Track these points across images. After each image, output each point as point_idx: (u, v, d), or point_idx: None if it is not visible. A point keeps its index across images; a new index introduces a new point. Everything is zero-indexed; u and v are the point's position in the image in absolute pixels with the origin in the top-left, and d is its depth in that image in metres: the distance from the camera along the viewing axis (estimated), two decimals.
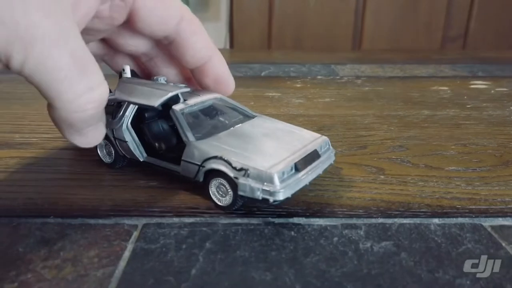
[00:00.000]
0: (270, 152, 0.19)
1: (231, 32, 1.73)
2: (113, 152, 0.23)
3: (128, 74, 0.23)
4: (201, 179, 0.20)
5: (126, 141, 0.22)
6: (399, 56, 0.62)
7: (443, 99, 0.39)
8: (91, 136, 0.18)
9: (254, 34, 1.65)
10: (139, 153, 0.22)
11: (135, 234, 0.18)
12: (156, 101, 0.20)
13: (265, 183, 0.18)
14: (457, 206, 0.20)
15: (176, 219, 0.19)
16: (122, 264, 0.16)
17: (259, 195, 0.18)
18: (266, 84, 0.45)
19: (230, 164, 0.18)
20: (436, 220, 0.19)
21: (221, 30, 2.23)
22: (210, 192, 0.20)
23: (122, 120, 0.22)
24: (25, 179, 0.23)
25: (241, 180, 0.18)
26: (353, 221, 0.19)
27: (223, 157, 0.19)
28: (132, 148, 0.22)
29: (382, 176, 0.23)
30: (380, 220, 0.19)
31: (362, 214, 0.20)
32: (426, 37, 1.57)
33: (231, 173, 0.18)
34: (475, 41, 1.57)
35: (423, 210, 0.20)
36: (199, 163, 0.20)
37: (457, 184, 0.23)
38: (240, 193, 0.18)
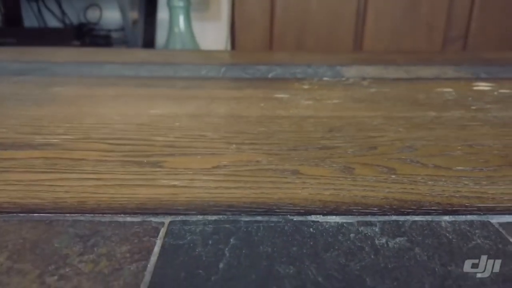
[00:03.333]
0: None
1: (232, 32, 1.74)
2: None
3: None
4: None
5: None
6: (403, 57, 0.63)
7: (448, 101, 0.40)
8: None
9: (256, 33, 1.66)
10: None
11: (163, 230, 0.19)
12: None
13: None
14: (466, 204, 0.21)
15: (200, 217, 0.20)
16: (153, 259, 0.17)
17: None
18: (274, 85, 0.46)
19: None
20: (446, 218, 0.20)
21: (222, 30, 2.24)
22: None
23: None
24: (52, 179, 0.24)
25: None
26: (368, 218, 0.20)
27: None
28: None
29: (393, 176, 0.24)
30: (394, 218, 0.20)
31: (376, 212, 0.21)
32: (427, 38, 1.58)
33: None
34: (475, 42, 1.58)
35: (434, 208, 0.21)
36: None
37: (465, 183, 0.24)
38: None
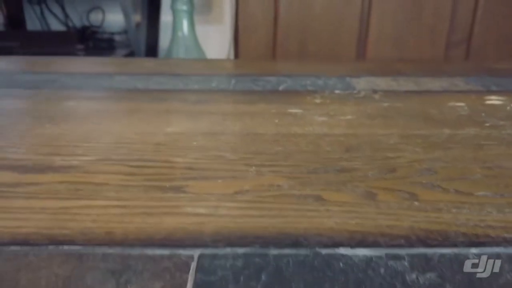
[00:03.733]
0: None
1: (236, 36, 1.74)
2: None
3: None
4: None
5: None
6: (410, 67, 0.63)
7: (461, 117, 0.40)
8: None
9: (259, 37, 1.66)
10: None
11: (193, 265, 0.19)
12: None
13: None
14: (492, 235, 0.22)
15: (228, 249, 0.20)
16: None
17: None
18: (286, 99, 0.46)
19: None
20: (473, 250, 0.20)
21: (225, 33, 2.25)
22: None
23: None
24: (78, 207, 0.24)
25: None
26: (396, 251, 0.20)
27: None
28: None
29: (416, 203, 0.25)
30: (422, 250, 0.20)
31: (403, 244, 0.21)
32: (430, 41, 1.58)
33: None
34: (478, 46, 1.59)
35: (460, 239, 0.21)
36: None
37: (488, 211, 0.24)
38: None
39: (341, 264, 0.19)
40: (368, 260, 0.20)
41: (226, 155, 0.31)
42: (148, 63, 0.68)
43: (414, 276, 0.19)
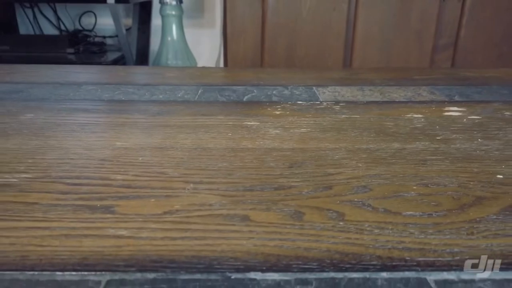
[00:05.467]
0: None
1: (225, 40, 1.74)
2: None
3: None
4: None
5: None
6: (382, 75, 0.63)
7: (415, 129, 0.40)
8: None
9: (248, 41, 1.66)
10: None
11: None
12: None
13: None
14: (406, 258, 0.22)
15: (139, 275, 0.20)
16: None
17: None
18: (246, 111, 0.46)
19: None
20: (384, 274, 0.20)
21: (216, 37, 2.24)
22: None
23: None
24: (2, 228, 0.24)
25: None
26: (305, 275, 0.20)
27: None
28: None
29: (341, 223, 0.25)
30: (332, 275, 0.20)
31: (315, 268, 0.21)
32: (417, 45, 1.58)
33: None
34: (465, 49, 1.59)
35: (373, 263, 0.21)
36: None
37: (410, 232, 0.24)
38: None
39: None
40: (276, 285, 0.20)
41: (168, 172, 0.31)
42: (121, 72, 0.68)
43: None
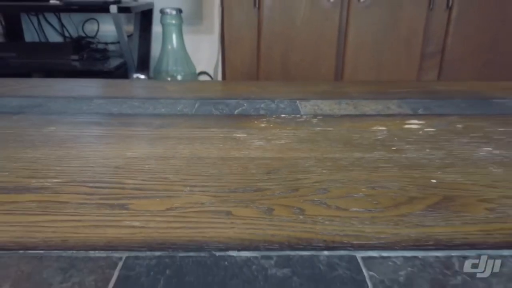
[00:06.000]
0: None
1: (222, 47, 1.82)
2: None
3: None
4: None
5: None
6: (360, 89, 0.71)
7: (376, 141, 0.48)
8: None
9: (244, 48, 1.74)
10: None
11: (120, 264, 0.27)
12: None
13: None
14: (344, 242, 0.29)
15: (148, 253, 0.28)
16: (110, 285, 0.25)
17: None
18: (236, 124, 0.53)
19: None
20: (325, 253, 0.28)
21: (215, 43, 2.32)
22: None
23: None
24: (44, 221, 0.32)
25: None
26: (269, 253, 0.28)
27: None
28: None
29: (301, 216, 0.32)
30: (287, 253, 0.28)
31: (276, 248, 0.29)
32: (405, 53, 1.66)
33: None
34: (452, 57, 1.67)
35: (319, 245, 0.29)
36: None
37: (352, 223, 0.32)
38: None
39: (226, 263, 0.27)
40: (247, 259, 0.27)
41: (170, 177, 0.39)
42: (127, 86, 0.76)
43: (274, 271, 0.26)
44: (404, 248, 0.29)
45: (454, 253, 0.28)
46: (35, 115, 0.56)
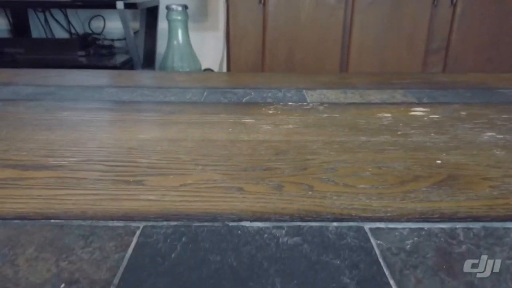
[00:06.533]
0: None
1: (228, 42, 1.83)
2: None
3: None
4: None
5: None
6: (365, 80, 0.72)
7: (382, 126, 0.49)
8: None
9: (250, 44, 1.76)
10: None
11: (138, 232, 0.28)
12: None
13: None
14: (352, 214, 0.30)
15: (165, 223, 0.29)
16: (130, 250, 0.26)
17: None
18: (245, 110, 0.55)
19: None
20: (335, 224, 0.29)
21: (220, 39, 2.34)
22: None
23: None
24: (63, 194, 0.33)
25: None
26: (280, 224, 0.29)
27: None
28: None
29: (310, 192, 0.34)
30: (298, 223, 0.29)
31: (287, 219, 0.30)
32: (409, 49, 1.67)
33: None
34: (456, 53, 1.67)
35: (328, 217, 0.30)
36: None
37: (359, 198, 0.33)
38: None
39: (239, 232, 0.28)
40: (259, 229, 0.29)
41: (182, 157, 0.40)
42: (136, 76, 0.78)
43: (285, 239, 0.28)
44: (410, 220, 0.30)
45: (458, 225, 0.29)
46: (49, 101, 0.58)
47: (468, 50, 1.64)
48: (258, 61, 1.72)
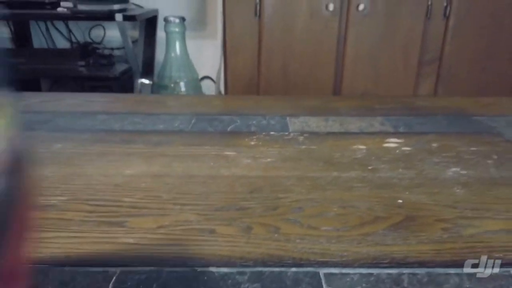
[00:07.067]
0: None
1: (224, 54, 1.86)
2: None
3: None
4: None
5: None
6: (348, 104, 0.75)
7: (354, 160, 0.52)
8: None
9: (246, 55, 1.79)
10: None
11: (114, 278, 0.31)
12: None
13: None
14: (311, 259, 0.33)
15: (139, 268, 0.32)
16: None
17: None
18: (228, 141, 0.58)
19: None
20: (293, 269, 0.32)
21: (217, 48, 2.37)
22: None
23: None
24: (50, 237, 0.36)
25: None
26: (243, 269, 0.32)
27: None
28: None
29: (276, 235, 0.37)
30: (259, 269, 0.32)
31: (250, 265, 0.33)
32: (403, 60, 1.69)
33: None
34: (450, 64, 1.70)
35: (289, 262, 0.33)
36: None
37: (320, 241, 0.36)
38: None
39: (205, 277, 0.31)
40: (224, 274, 0.32)
41: (163, 196, 0.43)
42: (128, 101, 0.81)
43: (246, 285, 0.31)
44: (362, 266, 0.33)
45: (405, 270, 0.32)
46: (43, 131, 0.61)
47: (462, 61, 1.66)
48: (254, 71, 1.75)
